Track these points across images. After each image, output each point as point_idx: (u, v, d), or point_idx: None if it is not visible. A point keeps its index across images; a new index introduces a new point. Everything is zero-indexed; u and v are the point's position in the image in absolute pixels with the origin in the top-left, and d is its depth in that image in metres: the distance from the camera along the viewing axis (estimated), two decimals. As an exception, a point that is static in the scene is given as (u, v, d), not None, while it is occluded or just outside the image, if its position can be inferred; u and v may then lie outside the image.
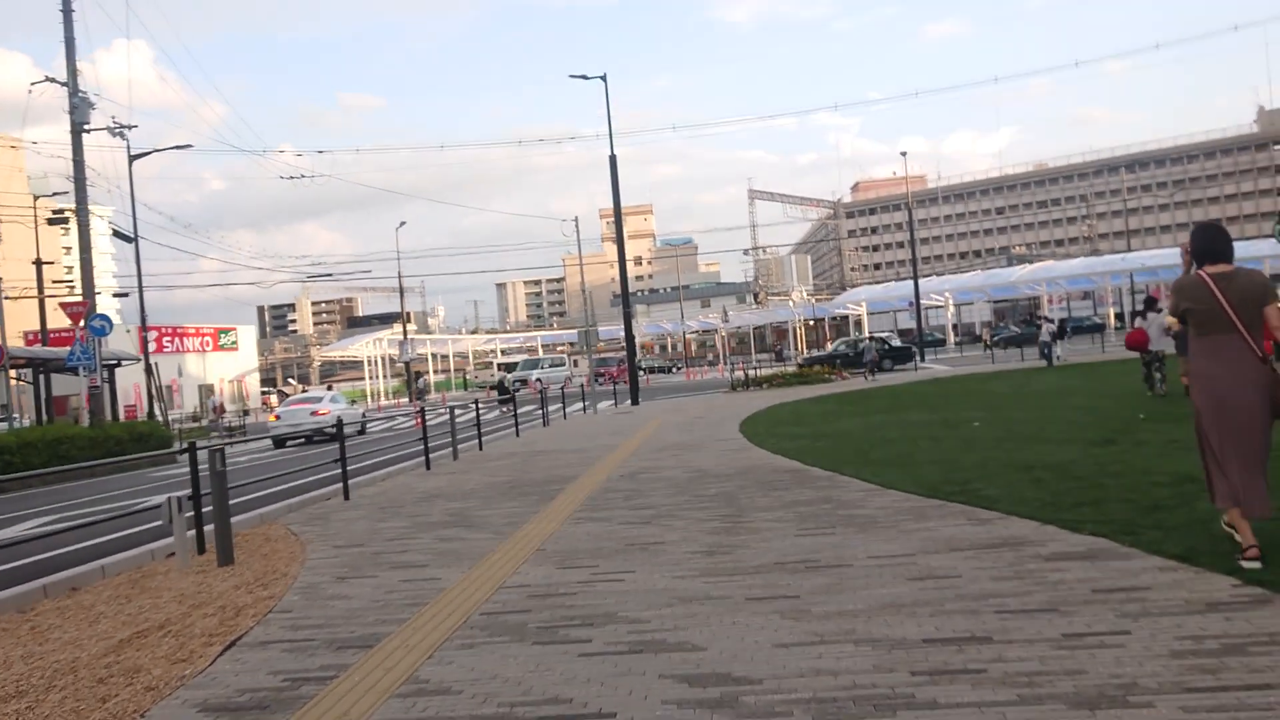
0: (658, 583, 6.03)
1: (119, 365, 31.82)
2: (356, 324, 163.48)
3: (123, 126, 27.74)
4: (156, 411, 37.77)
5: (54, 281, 46.67)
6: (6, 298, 57.86)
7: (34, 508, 15.43)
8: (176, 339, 64.53)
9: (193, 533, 8.30)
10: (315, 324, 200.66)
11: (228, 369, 69.28)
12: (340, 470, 11.75)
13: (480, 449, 17.81)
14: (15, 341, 54.84)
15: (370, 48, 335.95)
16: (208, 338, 67.72)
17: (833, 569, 6.00)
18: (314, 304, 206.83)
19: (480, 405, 19.52)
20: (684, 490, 10.08)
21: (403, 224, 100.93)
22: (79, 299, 26.62)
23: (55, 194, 42.62)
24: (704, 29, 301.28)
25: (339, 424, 11.73)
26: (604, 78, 31.84)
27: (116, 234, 33.86)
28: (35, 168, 71.87)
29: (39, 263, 42.20)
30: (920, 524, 7.22)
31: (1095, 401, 16.86)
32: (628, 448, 15.60)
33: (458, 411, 18.12)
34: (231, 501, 12.11)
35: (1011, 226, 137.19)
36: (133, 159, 31.26)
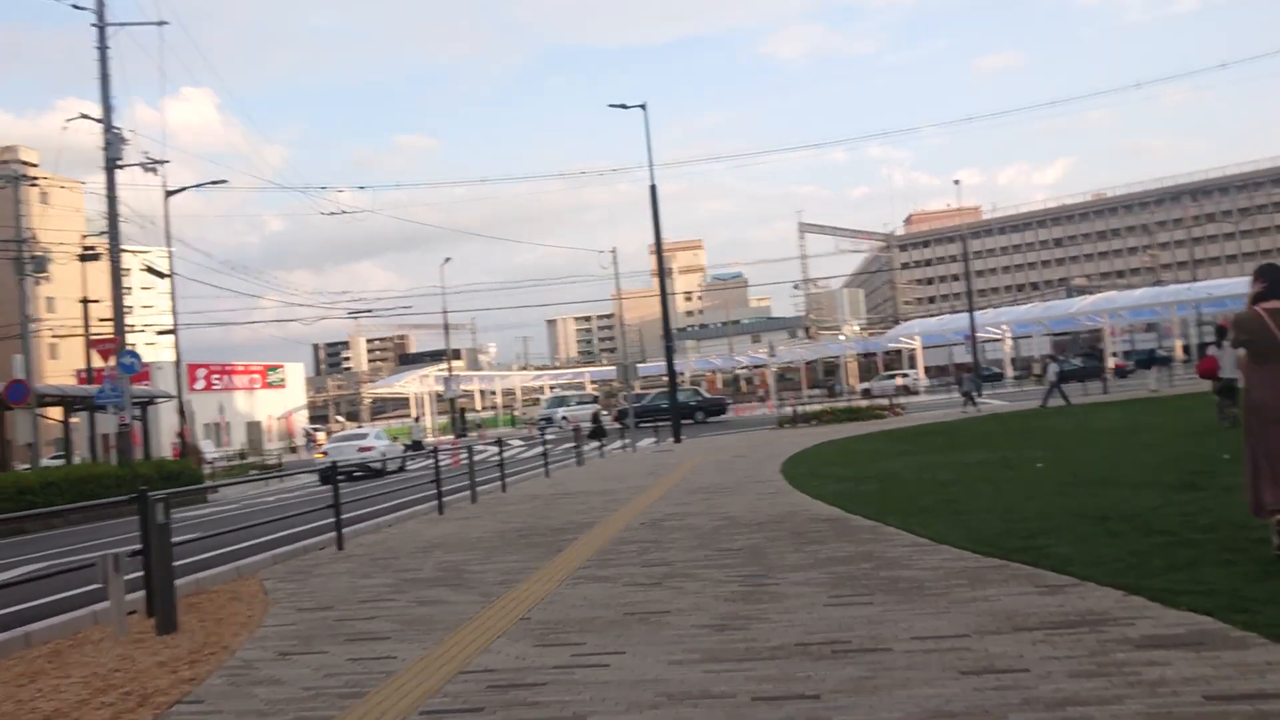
0: (649, 669, 4.90)
1: (151, 403, 31.45)
2: (408, 361, 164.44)
3: (155, 162, 27.50)
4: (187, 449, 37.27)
5: (100, 319, 46.70)
6: (54, 336, 58.45)
7: (37, 551, 14.69)
8: (225, 376, 64.80)
9: (136, 595, 7.33)
10: (369, 361, 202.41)
11: (275, 406, 69.40)
12: (335, 518, 10.75)
13: (503, 490, 16.79)
14: (68, 379, 55.31)
15: (424, 91, 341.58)
16: (256, 375, 67.94)
17: (866, 655, 4.83)
18: (368, 341, 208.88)
19: (520, 443, 18.52)
20: (707, 542, 8.93)
21: (448, 260, 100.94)
22: (110, 336, 26.20)
23: (102, 233, 42.77)
24: (756, 66, 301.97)
25: (332, 468, 10.75)
26: (643, 106, 31.12)
27: (150, 270, 33.62)
28: (92, 209, 73.04)
29: (85, 301, 42.32)
30: (976, 591, 6.01)
31: (1168, 439, 15.40)
32: (658, 490, 14.47)
33: (486, 450, 17.12)
34: (218, 551, 11.30)
35: (1070, 258, 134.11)
36: (168, 195, 31.10)
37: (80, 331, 46.97)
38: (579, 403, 57.07)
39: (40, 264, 43.01)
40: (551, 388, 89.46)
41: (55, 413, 30.53)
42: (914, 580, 6.50)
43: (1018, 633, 5.00)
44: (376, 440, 30.27)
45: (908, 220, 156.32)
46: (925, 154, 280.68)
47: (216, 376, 63.78)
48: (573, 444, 31.60)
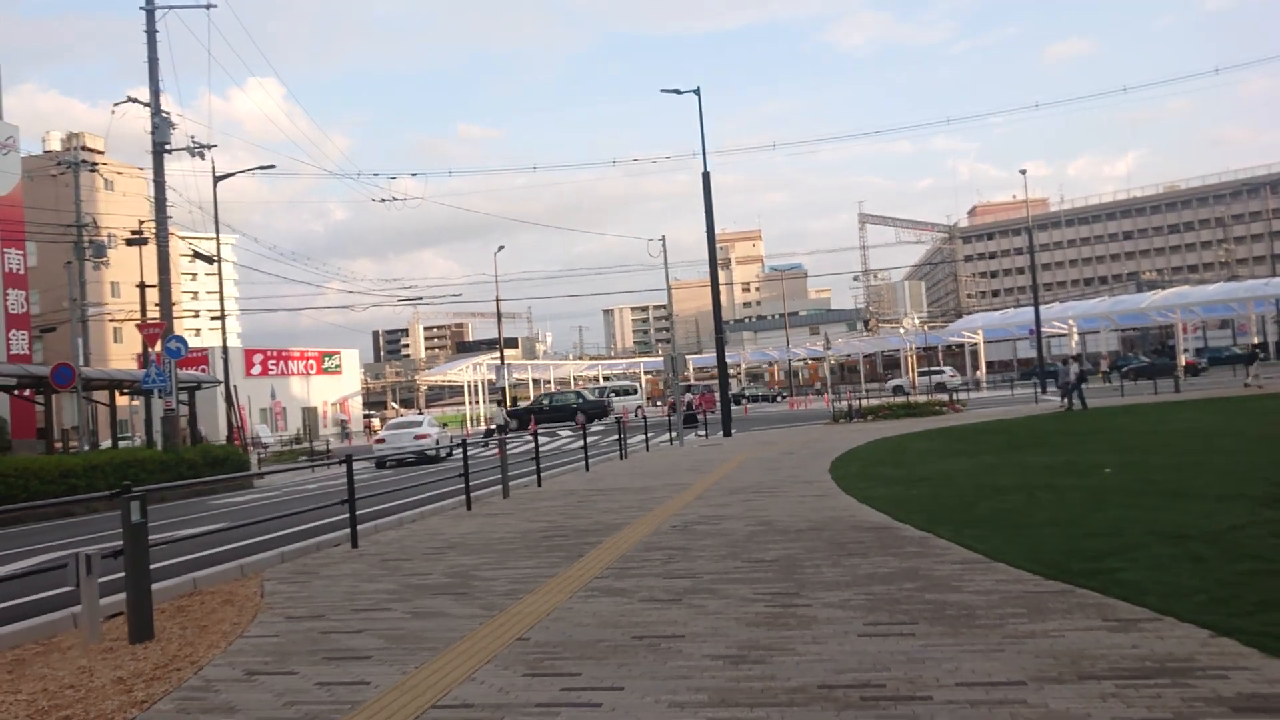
0: (645, 713, 4.22)
1: (199, 388, 31.46)
2: (465, 349, 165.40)
3: (202, 147, 27.32)
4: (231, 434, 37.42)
5: (155, 304, 47.14)
6: (113, 321, 59.32)
7: (69, 537, 14.43)
8: (282, 362, 65.31)
9: (113, 598, 6.82)
10: (427, 349, 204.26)
11: (331, 392, 69.88)
12: (350, 514, 10.21)
13: (538, 484, 16.20)
14: (129, 363, 56.10)
15: (486, 80, 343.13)
16: (312, 361, 68.40)
17: (900, 705, 4.09)
18: (426, 329, 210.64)
19: (568, 433, 17.93)
20: (738, 551, 8.21)
21: (501, 248, 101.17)
22: (156, 320, 26.16)
23: (142, 222, 43.06)
24: (819, 55, 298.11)
25: (348, 459, 10.20)
26: (697, 91, 30.28)
27: (197, 255, 33.63)
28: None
29: (142, 286, 42.63)
30: (1036, 624, 5.23)
31: (1250, 445, 14.29)
32: (697, 489, 13.76)
33: (528, 440, 16.53)
34: (231, 545, 10.79)
35: (1140, 251, 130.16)
36: (216, 180, 31.04)
37: (185, 314, 47.53)
38: (618, 392, 55.47)
39: (99, 249, 43.53)
40: (605, 378, 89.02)
41: (115, 396, 30.66)
42: (964, 606, 5.73)
43: (1083, 682, 4.22)
44: (430, 428, 30.51)
45: (972, 212, 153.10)
46: (992, 145, 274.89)
47: (273, 362, 64.30)
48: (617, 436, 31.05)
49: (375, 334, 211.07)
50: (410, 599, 7.15)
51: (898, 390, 55.36)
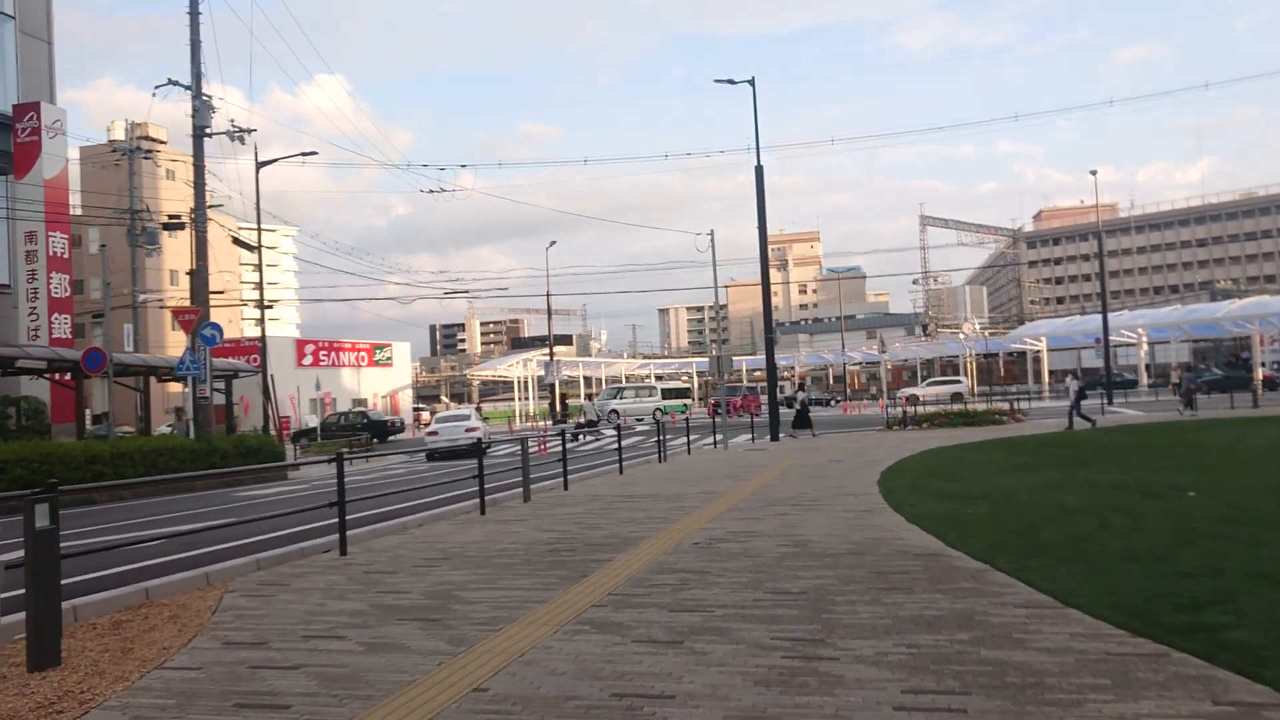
0: (597, 821, 3.16)
1: (235, 377, 31.00)
2: (520, 345, 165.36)
3: (241, 131, 26.77)
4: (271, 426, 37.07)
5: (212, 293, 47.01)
6: (165, 308, 59.65)
7: (90, 525, 13.74)
8: (333, 353, 65.23)
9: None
10: (483, 344, 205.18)
11: (382, 384, 69.67)
12: (340, 518, 9.27)
13: (565, 488, 15.20)
14: (179, 350, 56.35)
15: (549, 79, 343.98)
16: (363, 353, 68.23)
17: (943, 831, 2.98)
18: (482, 325, 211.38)
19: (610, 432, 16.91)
20: (763, 579, 7.10)
21: (553, 243, 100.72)
22: (192, 306, 25.67)
23: (215, 206, 42.91)
24: (882, 56, 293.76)
25: (338, 456, 9.27)
26: (751, 81, 29.09)
27: (237, 242, 33.21)
28: (214, 185, 74.61)
29: (191, 274, 42.46)
30: (1125, 703, 4.07)
31: (1353, 467, 12.81)
32: (732, 498, 12.65)
33: (576, 440, 15.55)
34: (220, 545, 9.79)
35: (1214, 260, 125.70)
36: (259, 166, 30.54)
37: (219, 304, 47.41)
38: (638, 394, 52.69)
39: (152, 236, 43.53)
40: (658, 376, 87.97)
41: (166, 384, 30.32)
42: (1030, 671, 4.57)
43: (1199, 805, 3.07)
44: (476, 421, 30.88)
45: (1037, 216, 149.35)
46: (1058, 149, 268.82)
47: (324, 353, 64.22)
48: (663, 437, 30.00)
49: (432, 328, 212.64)
50: (373, 624, 6.16)
51: (912, 400, 52.71)
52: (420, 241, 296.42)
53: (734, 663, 4.94)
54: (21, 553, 5.36)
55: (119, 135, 73.74)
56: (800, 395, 27.93)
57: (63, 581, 5.81)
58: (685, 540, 9.13)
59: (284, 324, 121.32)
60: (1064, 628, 5.36)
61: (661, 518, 10.98)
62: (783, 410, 30.42)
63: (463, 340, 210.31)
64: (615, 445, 19.10)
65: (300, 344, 63.29)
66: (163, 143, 72.87)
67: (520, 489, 13.84)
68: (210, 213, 37.48)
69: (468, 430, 29.17)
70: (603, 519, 11.11)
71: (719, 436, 26.83)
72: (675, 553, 8.46)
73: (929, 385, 60.87)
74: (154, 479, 19.01)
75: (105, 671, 5.26)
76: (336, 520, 9.21)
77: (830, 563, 7.64)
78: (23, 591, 5.39)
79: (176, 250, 63.24)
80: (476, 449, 28.34)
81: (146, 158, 43.97)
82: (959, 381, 60.62)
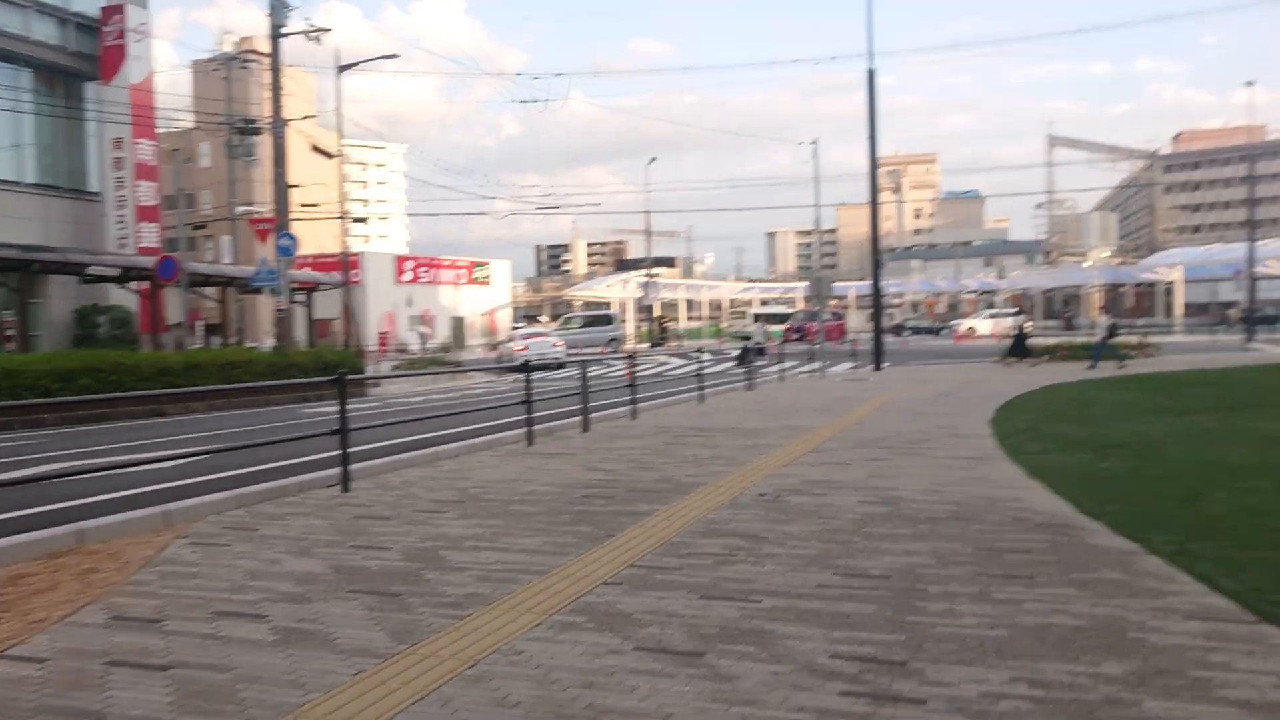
0: None
1: (316, 289, 30.30)
2: (626, 266, 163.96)
3: (317, 30, 25.57)
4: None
5: (301, 204, 46.61)
6: (251, 218, 60.03)
7: (145, 438, 12.89)
8: (432, 270, 64.88)
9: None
10: (589, 265, 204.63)
11: (481, 303, 69.25)
12: (342, 450, 7.93)
13: (633, 417, 13.69)
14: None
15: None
16: (462, 271, 67.73)
17: None
18: (589, 245, 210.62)
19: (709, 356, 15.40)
20: (834, 552, 5.46)
21: (653, 160, 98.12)
22: (269, 215, 24.82)
23: (306, 117, 42.21)
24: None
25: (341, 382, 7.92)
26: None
27: (316, 149, 32.28)
28: (327, 104, 74.17)
29: (287, 185, 42.02)
30: None
31: None
32: (817, 437, 10.96)
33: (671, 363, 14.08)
34: (232, 471, 8.53)
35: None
36: (340, 70, 29.35)
37: (304, 216, 47.25)
38: (586, 324, 50.33)
39: (249, 148, 43.17)
40: (764, 301, 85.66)
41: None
42: (1233, 755, 2.86)
43: None
44: (556, 337, 36.62)
45: (1176, 139, 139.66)
46: (1202, 68, 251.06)
47: (424, 270, 63.90)
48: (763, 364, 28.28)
49: (537, 248, 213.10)
50: (314, 598, 4.75)
51: (972, 332, 48.48)
52: (528, 161, 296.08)
53: (768, 699, 3.35)
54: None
55: (231, 49, 73.94)
56: (1020, 320, 25.82)
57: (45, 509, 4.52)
58: (749, 490, 7.53)
59: (393, 241, 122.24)
60: (1266, 660, 3.60)
61: (730, 458, 9.37)
62: (888, 338, 28.29)
63: (568, 261, 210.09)
64: (711, 369, 17.56)
65: (400, 260, 63.03)
66: (268, 55, 72.74)
67: (624, 409, 12.36)
68: (300, 124, 36.69)
69: (554, 345, 33.59)
70: (660, 457, 9.57)
71: (816, 364, 24.95)
72: (732, 507, 6.86)
73: (987, 318, 55.90)
74: (201, 390, 18.22)
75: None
76: (366, 446, 7.92)
77: (926, 531, 5.95)
78: None
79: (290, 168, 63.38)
80: (560, 363, 29.52)
81: (244, 67, 43.45)
82: (1020, 313, 55.55)
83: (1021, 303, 61.47)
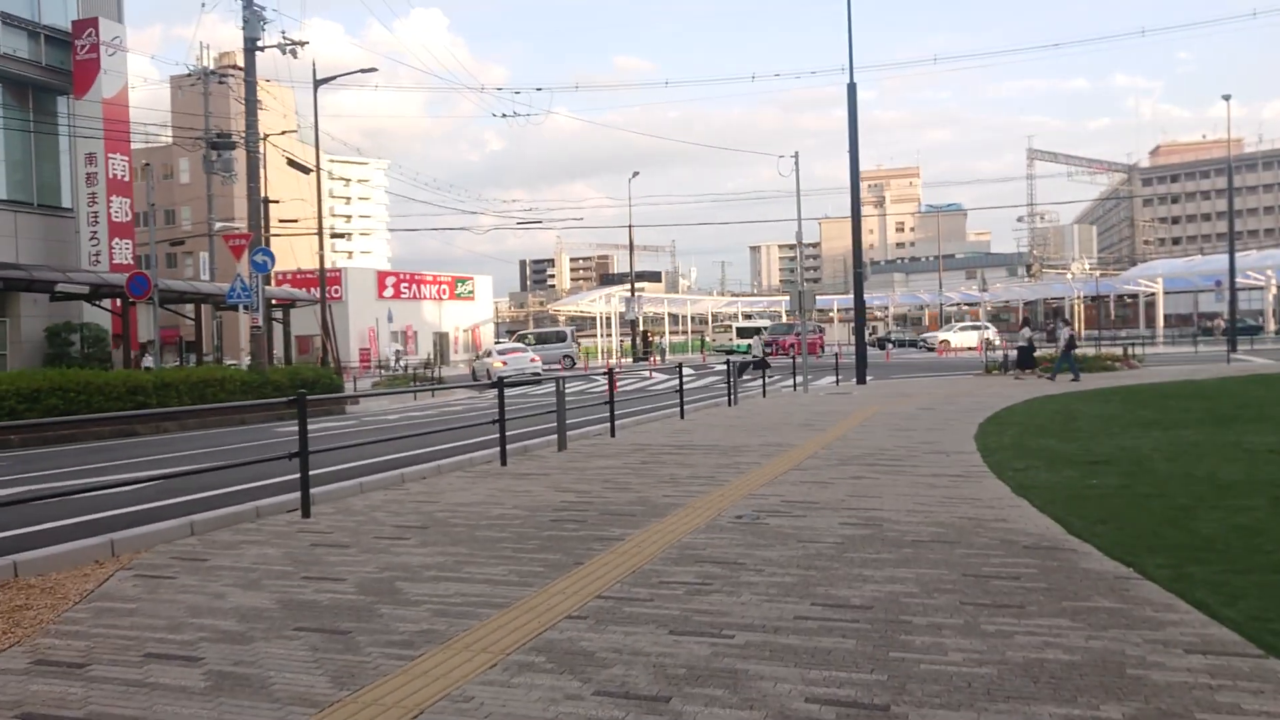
0: None
1: (294, 305, 29.90)
2: (609, 281, 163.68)
3: (293, 44, 25.25)
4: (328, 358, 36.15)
5: (280, 220, 46.15)
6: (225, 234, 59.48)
7: (121, 459, 12.49)
8: (414, 285, 64.47)
9: None
10: (572, 279, 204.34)
11: (463, 318, 68.84)
12: (302, 473, 7.60)
13: (611, 435, 13.39)
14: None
15: (643, 12, 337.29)
16: (445, 286, 67.32)
17: None
18: (572, 260, 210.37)
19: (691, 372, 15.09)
20: (812, 580, 5.18)
21: (635, 174, 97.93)
22: (244, 231, 24.45)
23: (285, 132, 41.82)
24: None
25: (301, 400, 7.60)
26: (846, -13, 26.33)
27: (292, 164, 31.91)
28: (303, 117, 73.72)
29: (264, 201, 41.64)
30: None
31: None
32: (799, 453, 10.69)
33: (649, 380, 13.79)
34: (194, 495, 8.05)
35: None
36: (318, 84, 29.03)
37: (283, 232, 46.77)
38: (537, 341, 51.16)
39: (227, 164, 42.74)
40: (747, 315, 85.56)
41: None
42: (1249, 817, 2.58)
43: None
44: (534, 353, 38.08)
45: (1154, 152, 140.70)
46: (1178, 84, 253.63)
47: (406, 285, 63.50)
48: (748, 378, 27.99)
49: (521, 263, 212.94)
50: (257, 637, 4.43)
51: (951, 344, 48.73)
52: (513, 177, 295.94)
53: (736, 754, 3.06)
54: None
55: (210, 64, 73.42)
56: (1026, 333, 25.63)
57: None
58: (727, 511, 7.24)
59: (375, 257, 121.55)
60: (1272, 701, 3.33)
61: (708, 477, 9.09)
62: (871, 351, 28.09)
63: (552, 276, 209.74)
64: (693, 385, 17.22)
65: (381, 276, 62.64)
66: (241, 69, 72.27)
67: (602, 427, 12.06)
68: (277, 139, 36.32)
69: (531, 361, 35.41)
70: (637, 477, 9.27)
71: (799, 379, 24.70)
72: (708, 530, 6.58)
73: (959, 330, 55.85)
74: (170, 411, 17.81)
75: None
76: (333, 468, 7.60)
77: (910, 555, 5.67)
78: None
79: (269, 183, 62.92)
80: (538, 379, 28.92)
81: (221, 82, 43.00)
82: (987, 327, 55.27)
83: (1027, 313, 61.66)
